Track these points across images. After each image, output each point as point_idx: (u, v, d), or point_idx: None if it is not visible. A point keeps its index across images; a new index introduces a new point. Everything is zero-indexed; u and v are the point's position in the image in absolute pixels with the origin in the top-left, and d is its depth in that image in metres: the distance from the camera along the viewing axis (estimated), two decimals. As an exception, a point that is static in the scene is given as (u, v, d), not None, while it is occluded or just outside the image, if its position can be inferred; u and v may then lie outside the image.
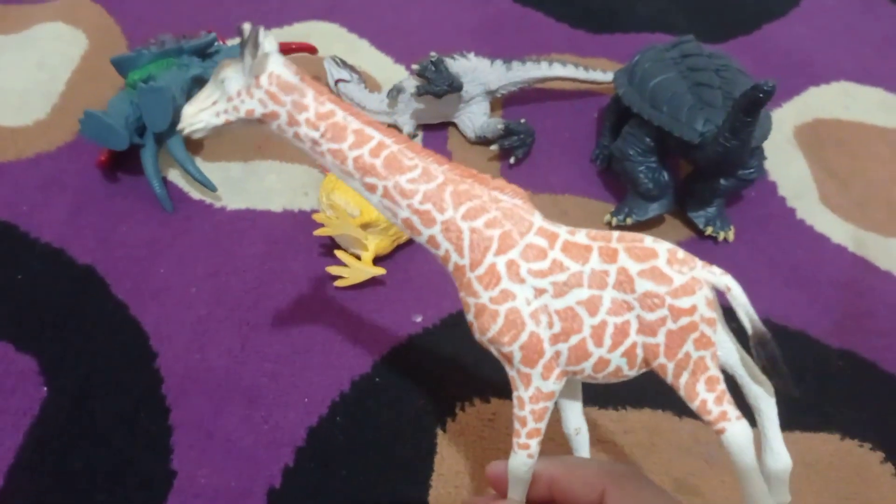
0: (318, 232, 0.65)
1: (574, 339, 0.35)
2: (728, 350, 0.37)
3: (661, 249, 0.35)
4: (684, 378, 0.35)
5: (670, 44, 0.74)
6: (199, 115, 0.39)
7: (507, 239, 0.36)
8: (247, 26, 0.36)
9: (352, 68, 0.81)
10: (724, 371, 0.36)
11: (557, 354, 0.36)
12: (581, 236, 0.36)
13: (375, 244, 0.64)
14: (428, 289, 0.66)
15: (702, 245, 0.72)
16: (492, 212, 0.36)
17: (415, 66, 0.75)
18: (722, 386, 0.35)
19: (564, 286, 0.35)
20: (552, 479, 0.37)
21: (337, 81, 0.80)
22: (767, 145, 0.71)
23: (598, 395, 0.59)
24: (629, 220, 0.71)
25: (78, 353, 0.60)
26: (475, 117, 0.79)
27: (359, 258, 0.65)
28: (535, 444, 0.37)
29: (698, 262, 0.35)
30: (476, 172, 0.37)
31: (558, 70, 0.82)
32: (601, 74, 0.83)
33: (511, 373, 0.37)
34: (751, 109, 0.58)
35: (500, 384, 0.59)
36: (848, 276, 0.71)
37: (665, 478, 0.55)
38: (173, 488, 0.53)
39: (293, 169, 0.76)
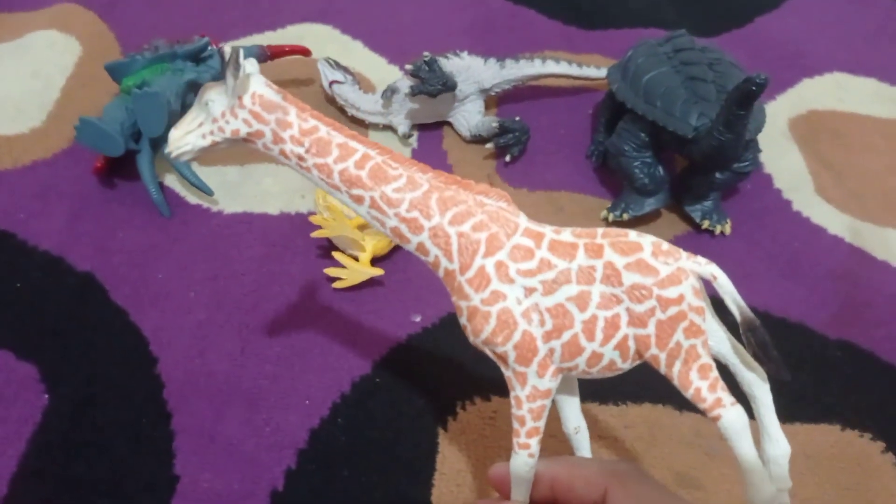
0: (315, 234, 0.65)
1: (566, 336, 0.35)
2: (719, 339, 0.37)
3: (646, 242, 0.36)
4: (677, 367, 0.35)
5: (663, 38, 0.75)
6: (185, 137, 0.39)
7: (494, 241, 0.36)
8: (227, 48, 0.37)
9: (346, 70, 0.81)
10: (717, 361, 0.37)
11: (551, 352, 0.36)
12: (566, 234, 0.37)
13: (373, 245, 0.64)
14: (426, 289, 0.66)
15: (699, 239, 0.72)
16: (478, 215, 0.37)
17: (408, 67, 0.75)
18: (715, 373, 0.36)
19: (553, 284, 0.35)
20: (554, 480, 0.37)
21: (331, 83, 0.80)
22: (762, 138, 0.71)
23: (599, 390, 0.59)
24: (626, 216, 0.71)
25: (78, 360, 0.60)
26: (470, 116, 0.79)
27: (356, 259, 0.65)
28: (535, 443, 0.37)
29: (683, 253, 0.36)
30: (459, 178, 0.38)
31: (552, 67, 0.82)
32: (595, 71, 0.83)
33: (507, 373, 0.38)
34: (744, 102, 0.58)
35: (500, 382, 0.58)
36: (845, 267, 0.71)
37: (666, 471, 0.56)
38: (176, 493, 0.53)
39: (289, 172, 0.75)
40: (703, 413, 0.35)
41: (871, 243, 0.73)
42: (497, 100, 0.86)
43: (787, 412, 0.60)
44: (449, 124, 0.82)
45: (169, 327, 0.62)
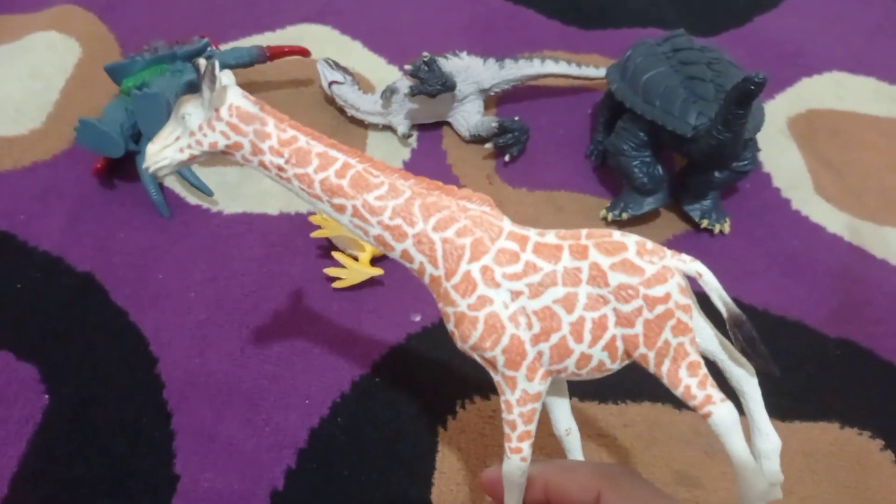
0: (314, 234, 0.65)
1: (554, 338, 0.35)
2: (707, 336, 0.37)
3: (630, 242, 0.35)
4: (666, 366, 0.35)
5: (662, 38, 0.75)
6: (162, 152, 0.39)
7: (479, 246, 0.36)
8: (202, 62, 0.37)
9: (345, 70, 0.81)
10: (705, 358, 0.37)
11: (540, 355, 0.36)
12: (551, 237, 0.37)
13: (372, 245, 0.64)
14: (426, 289, 0.65)
15: (698, 238, 0.72)
16: (461, 221, 0.37)
17: (408, 67, 0.75)
18: (704, 370, 0.36)
19: (539, 286, 0.35)
20: (547, 483, 0.37)
21: (331, 83, 0.80)
22: (761, 137, 0.71)
23: (598, 389, 0.59)
24: (625, 215, 0.71)
25: (78, 361, 0.60)
26: (469, 116, 0.80)
27: (356, 259, 0.65)
28: (526, 447, 0.37)
29: (668, 252, 0.36)
30: (441, 184, 0.38)
31: (551, 67, 0.82)
32: (594, 70, 0.83)
33: (496, 378, 0.37)
34: (743, 102, 0.58)
35: (499, 381, 0.59)
36: (844, 266, 0.71)
37: (666, 470, 0.56)
38: (177, 493, 0.53)
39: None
40: (693, 410, 0.35)
41: (870, 242, 0.73)
42: (496, 100, 0.86)
43: (786, 410, 0.60)
44: (448, 124, 0.82)
45: (169, 327, 0.63)
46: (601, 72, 0.82)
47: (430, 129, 0.82)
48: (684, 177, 0.72)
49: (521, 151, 0.79)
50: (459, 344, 0.38)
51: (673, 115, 0.66)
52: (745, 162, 0.69)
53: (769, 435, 0.37)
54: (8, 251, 0.68)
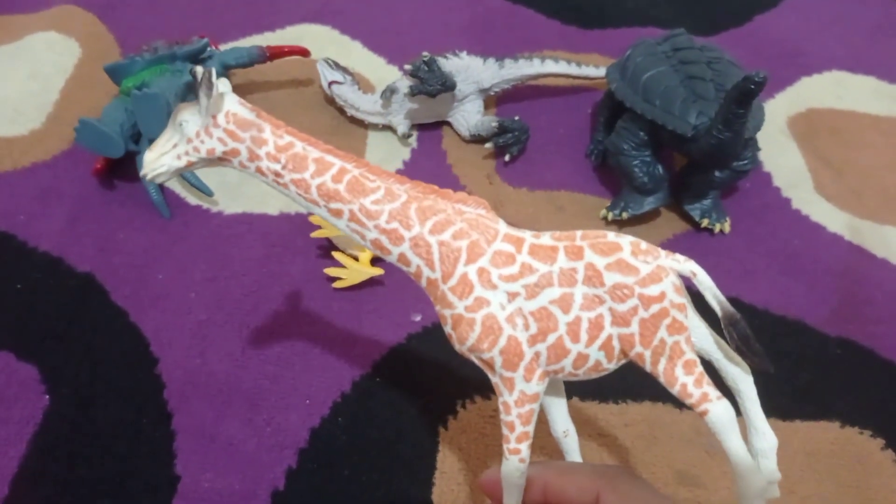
0: (315, 234, 0.65)
1: (551, 338, 0.36)
2: (702, 335, 0.37)
3: (625, 242, 0.36)
4: (662, 364, 0.35)
5: (662, 37, 0.75)
6: (160, 159, 0.39)
7: (475, 248, 0.36)
8: (199, 69, 0.37)
9: (345, 70, 0.81)
10: (701, 357, 0.37)
11: (537, 355, 0.36)
12: (546, 238, 0.37)
13: (373, 245, 0.64)
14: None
15: (698, 237, 0.72)
16: (457, 224, 0.37)
17: (407, 67, 0.75)
18: (699, 368, 0.36)
19: (536, 287, 0.36)
20: (546, 485, 0.37)
21: (330, 83, 0.80)
22: (761, 136, 0.71)
23: (598, 389, 0.59)
24: (625, 215, 0.71)
25: (79, 361, 0.60)
26: (469, 116, 0.80)
27: (356, 259, 0.65)
28: (525, 449, 0.37)
29: (661, 252, 0.36)
30: (437, 188, 0.38)
31: (551, 66, 0.82)
32: (594, 70, 0.83)
33: (494, 379, 0.38)
34: (743, 101, 0.58)
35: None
36: (844, 265, 0.71)
37: (667, 470, 0.56)
38: (177, 493, 0.53)
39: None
40: (690, 409, 0.36)
41: (870, 240, 0.73)
42: (496, 99, 0.86)
43: (787, 409, 0.60)
44: (448, 124, 0.82)
45: (169, 328, 0.63)
46: (601, 71, 0.82)
47: (430, 129, 0.82)
48: (684, 176, 0.72)
49: (521, 151, 0.79)
50: (457, 346, 0.38)
51: (673, 114, 0.66)
52: (746, 161, 0.69)
53: (766, 433, 0.37)
54: (8, 251, 0.68)
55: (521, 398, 0.37)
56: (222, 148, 0.38)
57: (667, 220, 0.75)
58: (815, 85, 0.91)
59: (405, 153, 0.79)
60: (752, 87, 0.57)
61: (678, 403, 0.59)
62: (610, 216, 0.72)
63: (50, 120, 0.80)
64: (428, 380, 0.60)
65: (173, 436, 0.56)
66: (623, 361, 0.36)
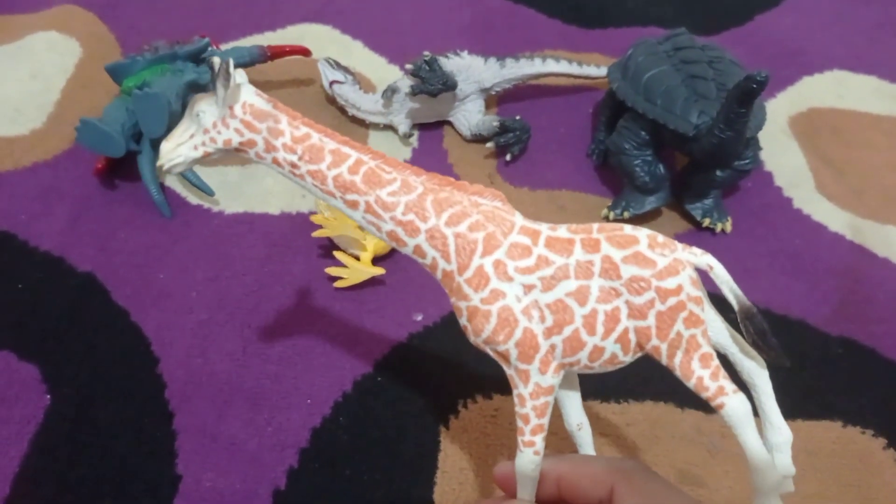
0: (316, 233, 0.65)
1: (567, 331, 0.36)
2: (717, 329, 0.37)
3: (641, 235, 0.36)
4: (678, 358, 0.35)
5: (663, 37, 0.75)
6: (177, 149, 0.40)
7: (491, 240, 0.36)
8: (217, 60, 0.37)
9: (346, 70, 0.81)
10: (716, 351, 0.37)
11: (553, 348, 0.36)
12: (562, 231, 0.37)
13: (374, 244, 0.64)
14: (428, 287, 0.66)
15: (700, 237, 0.72)
16: (474, 216, 0.37)
17: (409, 66, 0.75)
18: (716, 362, 0.36)
19: (552, 280, 0.36)
20: (560, 478, 0.37)
21: (331, 83, 0.80)
22: (762, 136, 0.71)
23: (600, 388, 0.59)
24: (626, 214, 0.71)
25: (80, 361, 0.60)
26: (470, 115, 0.79)
27: (358, 259, 0.65)
28: (539, 441, 0.37)
29: (679, 245, 0.36)
30: (453, 180, 0.38)
31: (552, 66, 0.82)
32: (595, 69, 0.83)
33: (509, 371, 0.38)
34: (744, 100, 0.58)
35: (501, 380, 0.58)
36: (846, 264, 0.71)
37: (668, 469, 0.56)
38: (179, 492, 0.53)
39: (290, 171, 0.76)
40: (706, 402, 0.36)
41: (871, 240, 0.73)
42: (497, 99, 0.86)
43: (789, 409, 0.60)
44: (449, 124, 0.82)
45: (170, 327, 0.62)
46: (602, 71, 0.82)
47: (431, 129, 0.82)
48: (686, 176, 0.72)
49: (522, 150, 0.79)
50: (472, 338, 0.38)
51: (674, 113, 0.66)
52: (747, 161, 0.69)
53: (781, 427, 0.37)
54: (9, 251, 0.68)
55: (536, 390, 0.37)
56: (239, 139, 0.38)
57: (668, 219, 0.75)
58: (817, 84, 0.91)
59: (406, 153, 0.79)
60: (754, 86, 0.57)
61: (680, 403, 0.59)
62: (611, 216, 0.72)
63: (51, 119, 0.80)
64: (429, 379, 0.60)
65: (174, 435, 0.56)
66: (639, 354, 0.36)
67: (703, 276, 0.37)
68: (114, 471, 0.54)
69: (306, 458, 0.55)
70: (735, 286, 0.36)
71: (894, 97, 0.90)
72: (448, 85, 0.75)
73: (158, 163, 0.40)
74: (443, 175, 0.39)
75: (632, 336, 0.36)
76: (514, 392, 0.37)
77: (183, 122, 0.40)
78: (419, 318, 0.64)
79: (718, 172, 0.69)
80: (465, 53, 0.79)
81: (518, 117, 0.77)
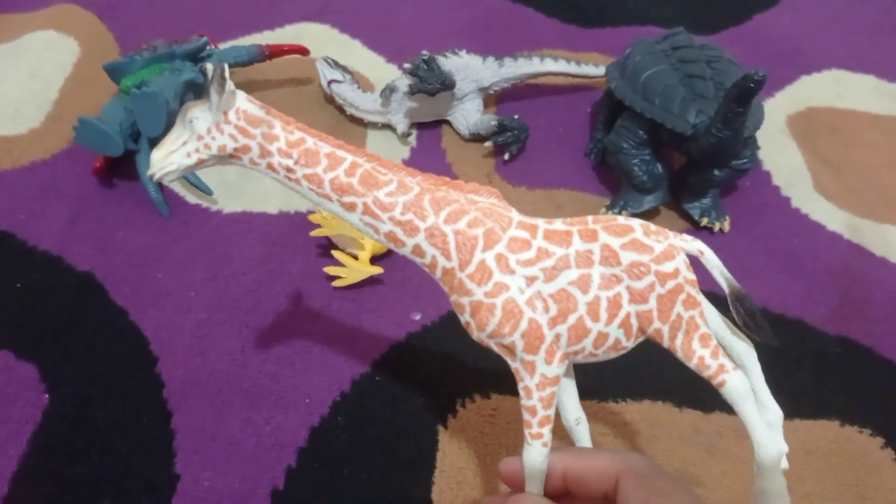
0: (314, 233, 0.65)
1: (572, 319, 0.36)
2: (708, 313, 0.38)
3: (636, 224, 0.37)
4: (679, 339, 0.36)
5: (661, 36, 0.75)
6: (169, 157, 0.39)
7: (491, 235, 0.37)
8: (210, 66, 0.37)
9: (344, 69, 0.81)
10: None
11: (558, 337, 0.37)
12: (559, 224, 0.38)
13: (372, 243, 0.65)
14: (426, 287, 0.66)
15: (697, 236, 0.71)
16: (472, 213, 0.37)
17: (407, 65, 0.75)
18: (714, 342, 0.37)
19: (554, 270, 0.36)
20: (566, 470, 0.37)
21: (330, 82, 0.80)
22: (761, 135, 0.71)
23: (598, 388, 0.59)
24: (624, 213, 0.71)
25: (78, 360, 0.60)
26: (469, 114, 0.79)
27: (356, 258, 0.65)
28: (547, 433, 0.38)
29: (670, 233, 0.37)
30: (449, 179, 0.38)
31: (550, 65, 0.82)
32: (593, 69, 0.83)
33: (514, 364, 0.38)
34: (742, 99, 0.58)
35: (500, 380, 0.59)
36: (843, 263, 0.71)
37: (666, 468, 0.55)
38: (177, 492, 0.53)
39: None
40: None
41: (869, 239, 0.73)
42: (496, 98, 0.86)
43: (786, 408, 0.59)
44: (448, 123, 0.82)
45: (169, 327, 0.63)
46: (600, 70, 0.82)
47: (430, 128, 0.82)
48: (684, 175, 0.72)
49: (520, 150, 0.79)
50: (476, 333, 0.38)
51: (672, 113, 0.66)
52: (745, 160, 0.69)
53: (771, 407, 0.39)
54: (8, 251, 0.68)
55: (542, 381, 0.37)
56: (234, 144, 0.38)
57: (666, 218, 0.75)
58: (815, 84, 0.91)
59: (405, 152, 0.79)
60: (752, 85, 0.57)
61: (677, 402, 0.59)
62: (609, 215, 0.72)
63: (49, 119, 0.80)
64: (428, 379, 0.60)
65: (173, 434, 0.56)
66: (641, 339, 0.37)
67: (694, 264, 0.38)
68: (112, 470, 0.54)
69: (305, 458, 0.56)
70: (725, 269, 0.37)
71: (892, 96, 0.90)
72: (446, 84, 0.75)
73: (149, 171, 0.39)
74: (438, 175, 0.39)
75: (634, 321, 0.36)
76: (520, 385, 0.38)
77: (174, 131, 0.39)
78: (417, 317, 0.64)
79: (716, 172, 0.69)
80: (463, 53, 0.79)
81: (516, 116, 0.77)
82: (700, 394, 0.58)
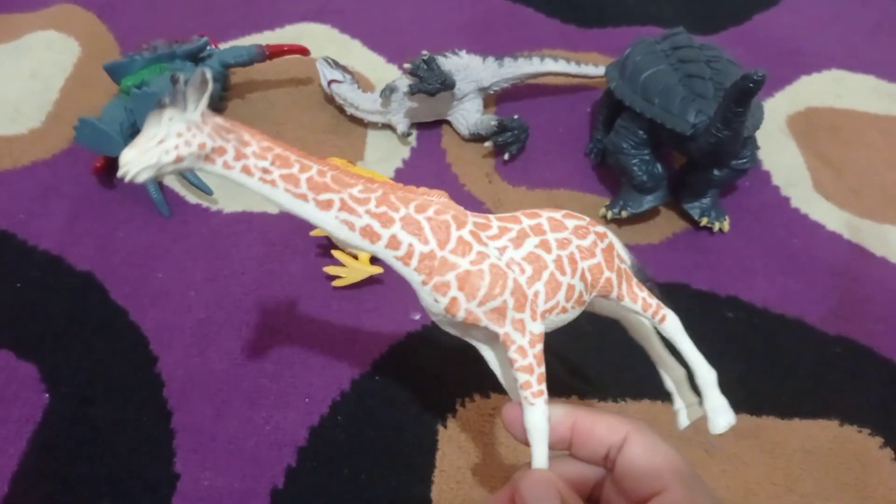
0: (314, 232, 0.65)
1: (545, 275, 0.39)
2: None
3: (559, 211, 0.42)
4: (624, 286, 0.41)
5: (661, 36, 0.75)
6: (146, 154, 0.39)
7: (458, 218, 0.39)
8: (181, 76, 0.38)
9: (344, 69, 0.81)
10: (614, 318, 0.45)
11: (536, 294, 0.39)
12: (501, 215, 0.42)
13: (372, 243, 0.64)
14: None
15: (697, 236, 0.73)
16: (434, 205, 0.40)
17: (407, 65, 0.75)
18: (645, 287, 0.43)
19: (518, 239, 0.40)
20: (575, 422, 0.39)
21: (330, 82, 0.80)
22: (760, 135, 0.71)
23: (599, 387, 0.60)
24: (624, 213, 0.71)
25: (78, 360, 0.60)
26: (468, 114, 0.80)
27: (356, 258, 0.65)
28: (545, 390, 0.39)
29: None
30: (403, 186, 0.40)
31: (550, 65, 0.82)
32: (593, 69, 0.83)
33: (504, 329, 0.39)
34: (742, 99, 0.58)
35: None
36: (843, 263, 0.71)
37: (666, 468, 0.56)
38: (177, 491, 0.53)
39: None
40: (651, 317, 0.42)
41: (869, 239, 0.73)
42: (496, 98, 0.86)
43: (786, 408, 0.60)
44: (448, 123, 0.82)
45: (169, 326, 0.63)
46: (600, 70, 0.82)
47: (430, 128, 0.82)
48: (684, 175, 0.72)
49: (520, 150, 0.79)
50: (464, 306, 0.38)
51: (672, 113, 0.66)
52: (745, 160, 0.69)
53: (702, 366, 0.42)
54: (8, 250, 0.68)
55: (532, 338, 0.39)
56: (212, 143, 0.39)
57: (666, 218, 0.75)
58: (815, 84, 0.91)
59: (405, 152, 0.79)
60: (751, 85, 0.57)
61: (677, 402, 0.59)
62: (609, 215, 0.72)
63: (50, 119, 0.80)
64: (427, 378, 0.60)
65: (173, 434, 0.56)
66: (594, 293, 0.41)
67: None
68: (112, 469, 0.54)
69: (304, 457, 0.56)
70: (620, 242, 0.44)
71: (892, 96, 0.90)
72: (446, 84, 0.75)
73: (120, 172, 0.38)
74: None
75: (588, 275, 0.40)
76: (512, 349, 0.39)
77: (147, 131, 0.39)
78: (417, 317, 0.64)
79: (716, 171, 0.69)
80: (463, 53, 0.79)
81: (516, 116, 0.77)
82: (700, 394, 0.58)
